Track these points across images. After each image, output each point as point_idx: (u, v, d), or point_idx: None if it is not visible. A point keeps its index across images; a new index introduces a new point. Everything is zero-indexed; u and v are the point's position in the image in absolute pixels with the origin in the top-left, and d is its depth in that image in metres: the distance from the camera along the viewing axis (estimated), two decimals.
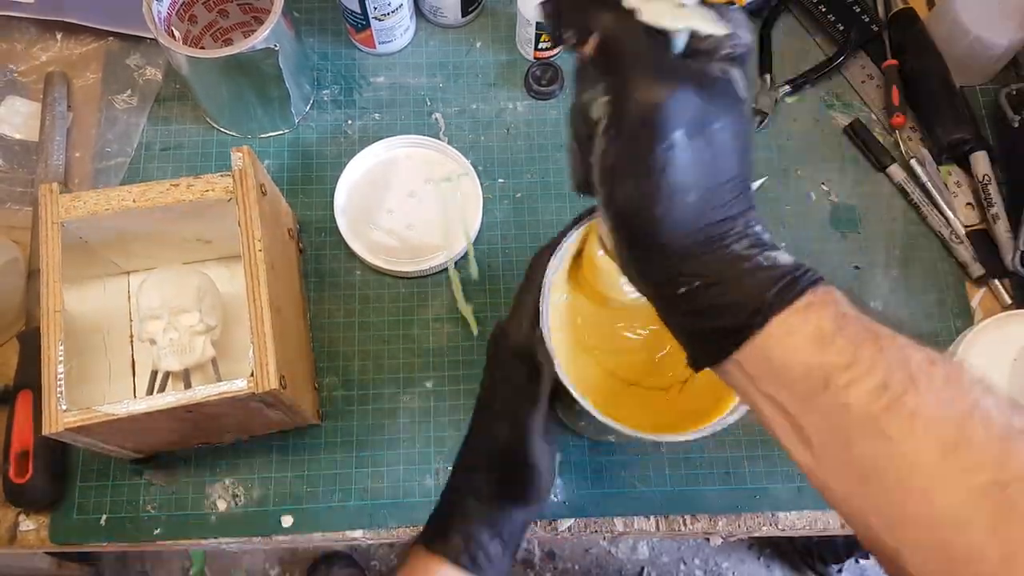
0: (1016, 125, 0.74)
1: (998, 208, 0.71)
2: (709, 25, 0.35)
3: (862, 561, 1.40)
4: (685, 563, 1.44)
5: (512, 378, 0.52)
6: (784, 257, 0.36)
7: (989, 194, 0.72)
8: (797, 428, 0.35)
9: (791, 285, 0.35)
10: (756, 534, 0.65)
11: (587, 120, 0.36)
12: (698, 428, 0.50)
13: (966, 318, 0.70)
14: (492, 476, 0.52)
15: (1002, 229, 0.71)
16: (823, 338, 0.34)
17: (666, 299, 0.38)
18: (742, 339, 0.35)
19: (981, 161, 0.73)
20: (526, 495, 0.51)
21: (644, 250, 0.36)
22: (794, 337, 0.34)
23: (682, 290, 0.36)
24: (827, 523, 0.64)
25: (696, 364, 0.38)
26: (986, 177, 0.73)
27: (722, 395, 0.51)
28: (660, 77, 0.33)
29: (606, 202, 0.36)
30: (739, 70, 0.35)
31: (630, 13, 0.35)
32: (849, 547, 1.35)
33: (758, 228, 0.37)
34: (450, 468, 0.64)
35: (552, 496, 0.64)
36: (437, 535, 0.51)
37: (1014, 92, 0.75)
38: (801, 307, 0.34)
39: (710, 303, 0.36)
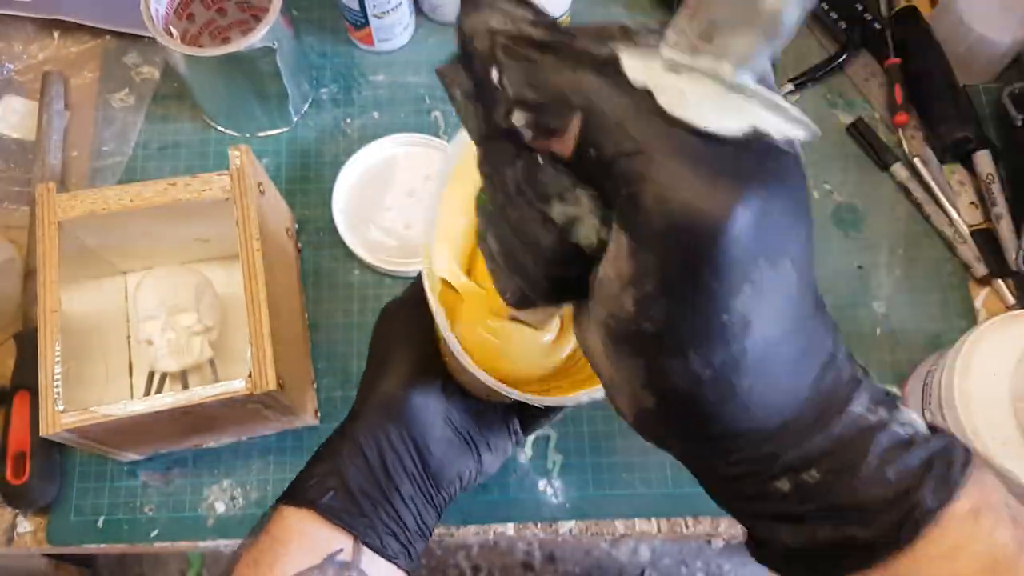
0: (1019, 124, 0.73)
1: (1001, 207, 0.71)
2: (784, 124, 0.22)
3: None
4: (687, 565, 1.43)
5: (396, 330, 0.48)
6: (915, 416, 0.26)
7: (992, 193, 0.71)
8: None
9: (947, 472, 0.24)
10: None
11: (543, 232, 0.24)
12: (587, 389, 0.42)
13: (970, 318, 0.69)
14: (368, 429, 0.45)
15: (1006, 228, 0.70)
16: (999, 563, 0.24)
17: (744, 497, 0.27)
18: (872, 559, 0.24)
19: (984, 160, 0.73)
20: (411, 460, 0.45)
21: (714, 441, 0.25)
22: (958, 562, 0.24)
23: (781, 486, 0.25)
24: None
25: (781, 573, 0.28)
26: (989, 176, 0.72)
27: None
28: (714, 179, 0.20)
29: (640, 380, 0.24)
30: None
31: (644, 93, 0.21)
32: None
33: (855, 363, 0.26)
34: None
35: (553, 498, 0.63)
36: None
37: (1017, 91, 0.75)
38: (965, 512, 0.24)
39: (827, 503, 0.25)
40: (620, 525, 0.64)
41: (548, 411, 0.52)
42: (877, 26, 0.79)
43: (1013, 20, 0.73)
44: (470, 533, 0.63)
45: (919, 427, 0.25)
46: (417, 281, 0.51)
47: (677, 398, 0.23)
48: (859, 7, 0.80)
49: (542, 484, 0.64)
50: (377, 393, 0.46)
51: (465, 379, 0.46)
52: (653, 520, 0.64)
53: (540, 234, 0.24)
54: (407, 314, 0.49)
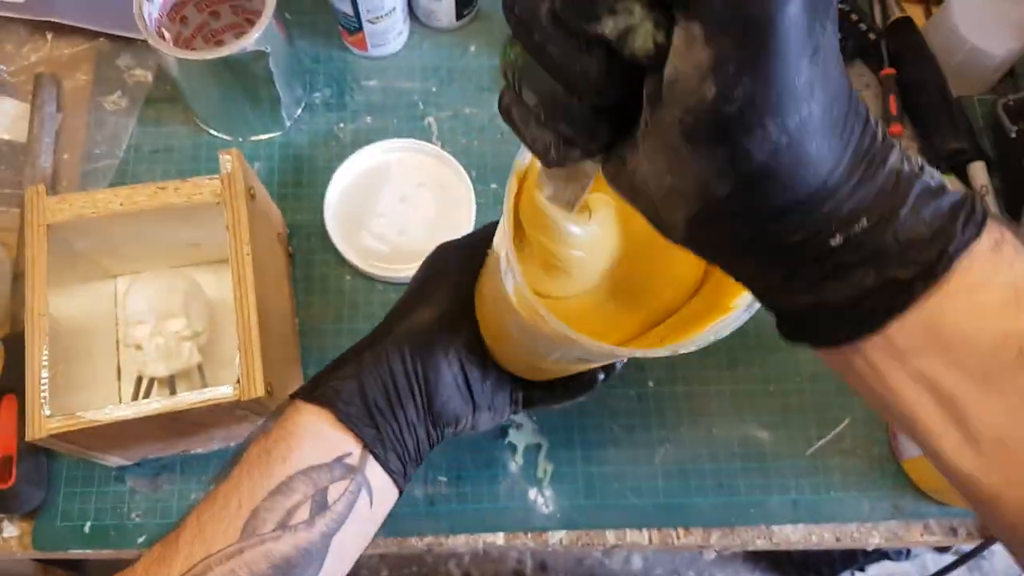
0: (1013, 136, 0.73)
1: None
2: None
3: (858, 574, 1.39)
4: (680, 575, 1.43)
5: (447, 268, 0.50)
6: (943, 180, 0.28)
7: (986, 204, 0.71)
8: (959, 419, 0.28)
9: (972, 213, 0.27)
10: (750, 548, 0.64)
11: (611, 58, 0.25)
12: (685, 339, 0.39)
13: None
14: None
15: None
16: (1020, 292, 0.26)
17: (796, 265, 0.28)
18: (911, 297, 0.26)
19: (979, 171, 0.73)
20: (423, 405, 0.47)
21: (779, 214, 0.26)
22: (982, 293, 0.26)
23: (835, 241, 0.26)
24: (822, 537, 0.64)
25: (825, 342, 0.29)
26: (984, 187, 0.72)
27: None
28: None
29: (716, 168, 0.25)
30: None
31: None
32: (846, 560, 1.34)
33: (889, 134, 0.28)
34: (441, 478, 0.64)
35: (543, 507, 0.63)
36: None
37: (1011, 103, 0.75)
38: (987, 249, 0.26)
39: (873, 248, 0.26)
40: (611, 535, 0.63)
41: (552, 394, 0.52)
42: (872, 37, 0.79)
43: (1007, 32, 0.74)
44: (460, 542, 0.63)
45: (943, 180, 0.27)
46: (479, 230, 0.53)
47: (756, 173, 0.25)
48: (854, 17, 0.80)
49: (532, 493, 0.64)
50: (411, 319, 0.49)
51: (504, 346, 0.47)
52: (644, 531, 0.63)
53: (586, 63, 0.25)
54: (460, 256, 0.51)
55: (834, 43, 0.25)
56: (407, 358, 0.47)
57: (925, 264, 0.26)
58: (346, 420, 0.45)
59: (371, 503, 0.45)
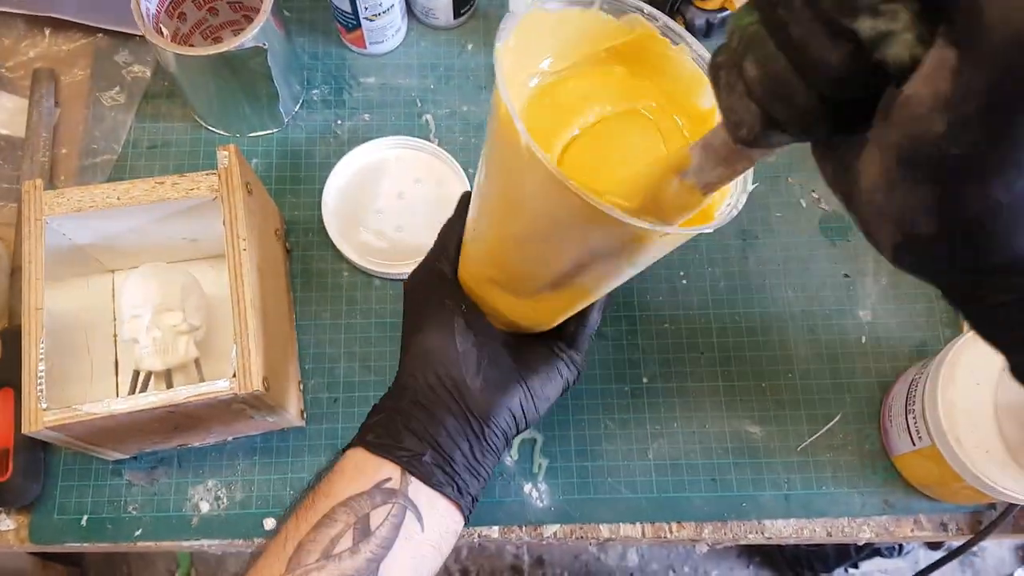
0: None
1: None
2: None
3: (851, 571, 1.39)
4: (675, 570, 1.43)
5: (424, 289, 0.51)
6: None
7: None
8: None
9: None
10: (742, 542, 0.65)
11: (854, 60, 0.24)
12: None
13: (955, 327, 0.70)
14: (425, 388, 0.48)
15: None
16: None
17: (1009, 325, 0.27)
18: None
19: None
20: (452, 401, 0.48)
21: (989, 271, 0.25)
22: None
23: None
24: (813, 531, 0.64)
25: None
26: None
27: None
28: None
29: (926, 206, 0.23)
30: None
31: None
32: (840, 556, 1.35)
33: None
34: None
35: (538, 501, 0.64)
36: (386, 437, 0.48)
37: None
38: None
39: None
40: (605, 529, 0.64)
41: (583, 330, 0.52)
42: None
43: None
44: None
45: None
46: (434, 245, 0.55)
47: (965, 225, 0.23)
48: None
49: (527, 487, 0.64)
50: (416, 347, 0.49)
51: (515, 267, 0.46)
52: (637, 524, 0.64)
53: (827, 52, 0.24)
54: (426, 273, 0.53)
55: None
56: (425, 375, 0.48)
57: None
58: (378, 450, 0.46)
59: (421, 526, 0.45)
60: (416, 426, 0.47)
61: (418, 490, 0.46)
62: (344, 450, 0.49)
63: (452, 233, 0.53)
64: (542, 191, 0.37)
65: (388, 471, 0.46)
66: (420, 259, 0.69)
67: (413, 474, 0.46)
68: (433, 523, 0.46)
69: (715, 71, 0.29)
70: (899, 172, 0.23)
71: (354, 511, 0.44)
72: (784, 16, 0.25)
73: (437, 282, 0.51)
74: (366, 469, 0.46)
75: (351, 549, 0.43)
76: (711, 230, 0.39)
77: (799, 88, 0.26)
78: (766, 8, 0.25)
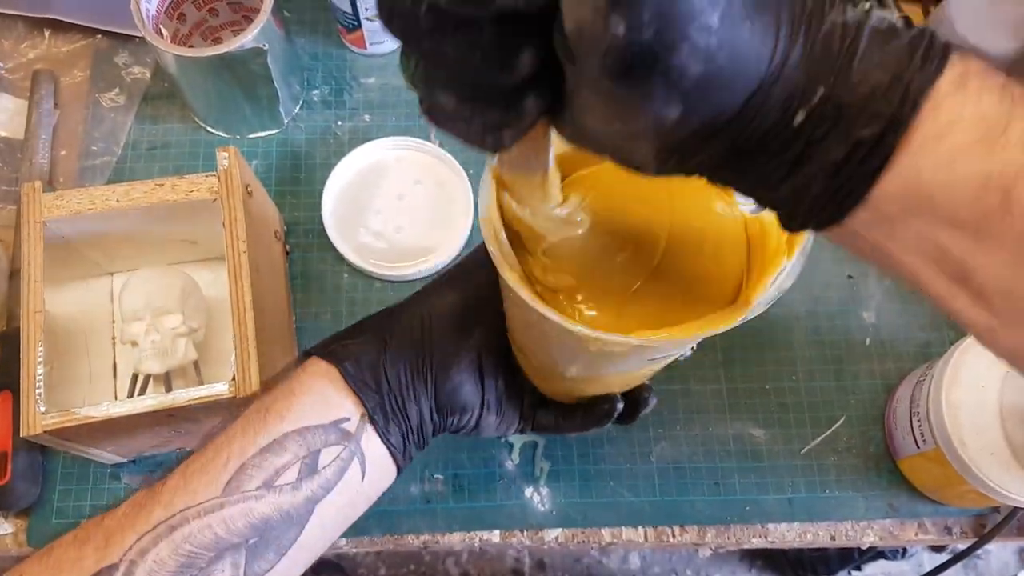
0: None
1: None
2: None
3: (855, 574, 1.39)
4: (677, 574, 1.43)
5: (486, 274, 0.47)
6: (888, 12, 0.26)
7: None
8: (962, 278, 0.26)
9: (930, 49, 0.25)
10: (746, 546, 0.64)
11: None
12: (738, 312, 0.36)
13: (959, 329, 0.69)
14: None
15: None
16: (992, 128, 0.24)
17: (765, 157, 0.26)
18: (883, 157, 0.25)
19: None
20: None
21: (734, 115, 0.25)
22: (953, 135, 0.24)
23: (799, 119, 0.25)
24: (817, 535, 0.64)
25: (818, 225, 0.28)
26: None
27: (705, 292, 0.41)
28: None
29: (658, 100, 0.24)
30: None
31: None
32: (843, 559, 1.34)
33: None
34: (438, 476, 0.64)
35: (539, 505, 0.63)
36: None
37: None
38: (952, 85, 0.24)
39: (836, 116, 0.25)
40: (607, 533, 0.63)
41: (568, 420, 0.51)
42: None
43: (1005, 32, 0.74)
44: (456, 540, 0.63)
45: (895, 19, 0.25)
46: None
47: (699, 85, 0.23)
48: None
49: (529, 491, 0.64)
50: (436, 299, 0.47)
51: (528, 352, 0.46)
52: (640, 528, 0.63)
53: (482, 47, 0.24)
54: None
55: None
56: (425, 334, 0.46)
57: (889, 116, 0.24)
58: (351, 381, 0.44)
59: (363, 476, 0.44)
60: (392, 374, 0.44)
61: (370, 440, 0.44)
62: (310, 353, 0.46)
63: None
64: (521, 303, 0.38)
65: (348, 409, 0.44)
66: (420, 261, 0.69)
67: (372, 421, 0.44)
68: (373, 477, 0.45)
69: (431, 119, 0.28)
70: (620, 89, 0.24)
71: (306, 444, 0.42)
72: (431, 45, 0.25)
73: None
74: (330, 398, 0.44)
75: (293, 484, 0.42)
76: (684, 350, 0.38)
77: (490, 92, 0.26)
78: (415, 46, 0.26)
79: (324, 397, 0.44)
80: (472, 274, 0.48)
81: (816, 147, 0.25)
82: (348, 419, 0.44)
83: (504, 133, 0.28)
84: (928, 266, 0.27)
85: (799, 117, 0.25)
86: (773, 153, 0.26)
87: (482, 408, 0.48)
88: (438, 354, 0.46)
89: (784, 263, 0.36)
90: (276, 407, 0.43)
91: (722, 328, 0.36)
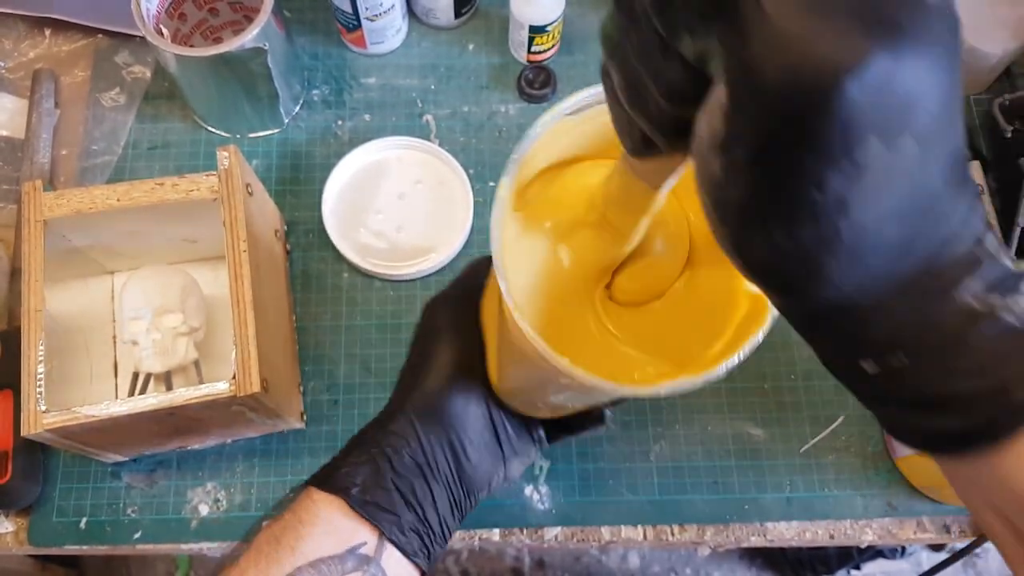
0: (1009, 135, 0.73)
1: (991, 218, 0.71)
2: None
3: (854, 572, 1.39)
4: (676, 572, 1.43)
5: (440, 325, 0.47)
6: None
7: (982, 204, 0.71)
8: None
9: None
10: (744, 544, 0.65)
11: (672, 65, 0.22)
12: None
13: None
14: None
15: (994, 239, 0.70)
16: None
17: (839, 370, 0.26)
18: (968, 449, 0.24)
19: (975, 171, 0.73)
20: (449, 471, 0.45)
21: (805, 310, 0.24)
22: None
23: (872, 369, 0.24)
24: (816, 534, 0.64)
25: (899, 439, 0.27)
26: (979, 187, 0.72)
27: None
28: (834, 24, 0.17)
29: (729, 243, 0.23)
30: None
31: None
32: (842, 558, 1.34)
33: (990, 241, 0.23)
34: None
35: (539, 504, 0.63)
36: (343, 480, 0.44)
37: (1007, 102, 0.75)
38: None
39: (917, 390, 0.23)
40: (606, 532, 0.63)
41: (573, 426, 0.51)
42: None
43: (1004, 32, 0.74)
44: (456, 538, 0.63)
45: None
46: (461, 276, 0.51)
47: (760, 267, 0.23)
48: None
49: (528, 490, 0.64)
50: (419, 390, 0.46)
51: (509, 385, 0.45)
52: (639, 527, 0.64)
53: (663, 64, 0.22)
54: (452, 311, 0.49)
55: (916, 154, 0.20)
56: (427, 433, 0.44)
57: (977, 422, 0.23)
58: (359, 507, 0.42)
59: None
60: (403, 488, 0.43)
61: (391, 557, 0.43)
62: (306, 486, 0.44)
63: (478, 271, 0.50)
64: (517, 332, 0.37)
65: (365, 534, 0.42)
66: (420, 260, 0.69)
67: (392, 541, 0.43)
68: None
69: (605, 83, 0.27)
70: (707, 204, 0.22)
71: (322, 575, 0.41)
72: (629, 24, 0.23)
73: (456, 319, 0.48)
74: (341, 528, 0.42)
75: None
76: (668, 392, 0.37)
77: (651, 97, 0.24)
78: (620, 13, 0.23)
79: (335, 527, 0.42)
80: (440, 346, 0.47)
81: (894, 398, 0.24)
82: (364, 543, 0.42)
83: (646, 147, 0.27)
84: (1003, 531, 0.26)
85: (870, 366, 0.24)
86: (852, 379, 0.26)
87: (505, 464, 0.47)
88: (447, 441, 0.45)
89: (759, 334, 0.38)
90: (286, 539, 0.42)
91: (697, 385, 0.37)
